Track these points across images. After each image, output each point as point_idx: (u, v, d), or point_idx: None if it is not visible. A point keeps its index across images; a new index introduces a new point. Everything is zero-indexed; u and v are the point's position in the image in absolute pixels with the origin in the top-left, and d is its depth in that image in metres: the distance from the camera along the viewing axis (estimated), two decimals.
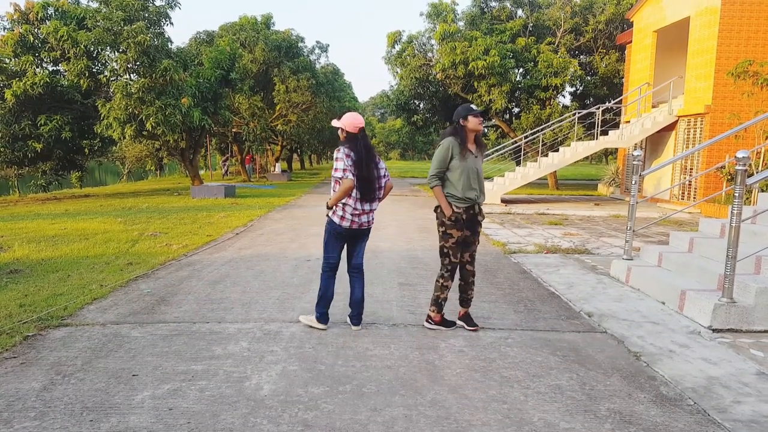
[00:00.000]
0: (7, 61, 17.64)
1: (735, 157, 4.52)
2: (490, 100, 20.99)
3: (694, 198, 14.53)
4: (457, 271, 4.64)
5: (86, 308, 5.18)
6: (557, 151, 17.34)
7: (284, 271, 6.73)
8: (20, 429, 2.97)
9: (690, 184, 14.94)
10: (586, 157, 19.56)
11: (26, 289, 5.79)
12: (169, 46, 18.96)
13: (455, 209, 4.40)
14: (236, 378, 3.63)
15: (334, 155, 4.41)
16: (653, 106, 17.11)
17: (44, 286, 5.95)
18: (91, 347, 4.17)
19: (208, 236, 9.44)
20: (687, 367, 3.87)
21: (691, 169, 14.91)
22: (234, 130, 27.07)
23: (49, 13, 17.48)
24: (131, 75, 17.84)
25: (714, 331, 4.61)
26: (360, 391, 3.45)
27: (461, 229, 4.44)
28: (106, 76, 17.94)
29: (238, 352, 4.08)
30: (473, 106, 4.45)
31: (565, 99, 25.72)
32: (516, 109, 24.18)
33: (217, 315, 4.99)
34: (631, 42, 18.40)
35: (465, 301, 4.72)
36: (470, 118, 4.39)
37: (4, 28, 17.64)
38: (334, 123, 4.51)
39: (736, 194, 4.48)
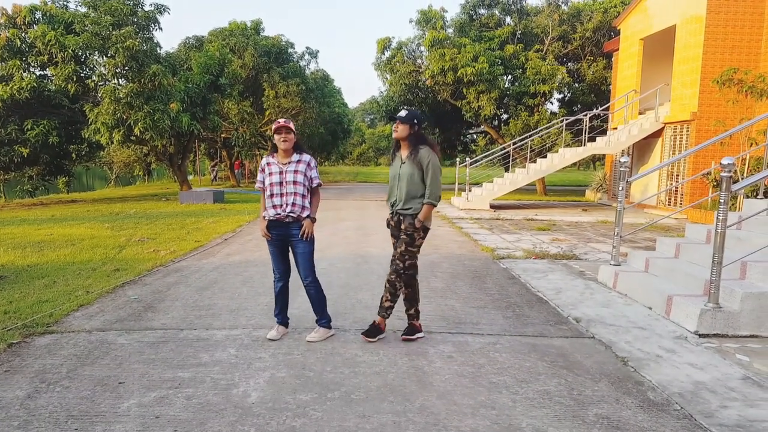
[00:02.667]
0: None
1: (720, 163, 4.58)
2: (479, 106, 21.10)
3: (681, 204, 14.68)
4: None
5: (72, 315, 5.13)
6: (545, 157, 17.46)
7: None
8: None
9: (676, 191, 15.09)
10: (574, 164, 19.69)
11: (11, 296, 5.71)
12: (158, 50, 18.89)
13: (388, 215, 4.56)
14: (224, 385, 3.60)
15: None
16: (640, 113, 17.29)
17: (29, 292, 5.88)
18: (77, 354, 4.12)
19: (197, 242, 9.38)
20: (674, 372, 3.90)
21: (678, 175, 15.07)
22: (223, 135, 26.98)
23: (37, 17, 17.36)
24: (119, 80, 17.72)
25: (700, 336, 4.65)
26: (348, 398, 3.44)
27: (391, 235, 4.52)
28: (94, 80, 17.80)
29: (225, 359, 4.05)
30: (400, 112, 4.34)
31: (553, 106, 25.92)
32: (504, 116, 24.31)
33: (205, 321, 4.95)
34: (618, 49, 18.61)
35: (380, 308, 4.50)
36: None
37: None
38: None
39: (722, 200, 4.54)
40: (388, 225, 4.54)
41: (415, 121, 4.33)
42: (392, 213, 4.46)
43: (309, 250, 4.44)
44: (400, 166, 4.38)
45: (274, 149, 4.42)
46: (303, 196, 4.37)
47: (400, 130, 4.32)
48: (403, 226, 4.36)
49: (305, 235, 4.37)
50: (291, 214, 4.34)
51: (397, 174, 4.38)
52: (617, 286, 6.23)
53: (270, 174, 4.37)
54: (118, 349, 4.24)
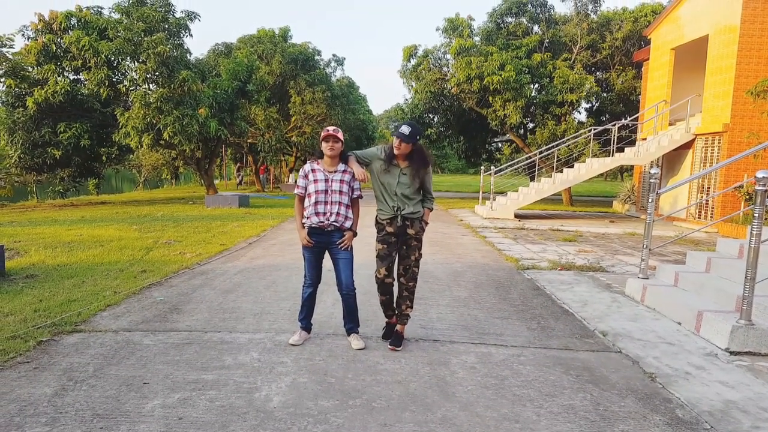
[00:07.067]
0: (30, 69, 17.99)
1: (755, 176, 4.46)
2: (504, 114, 20.98)
3: (711, 217, 14.34)
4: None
5: (99, 315, 5.22)
6: (572, 167, 17.24)
7: (296, 282, 6.72)
8: None
9: (707, 204, 14.76)
10: (601, 174, 19.40)
11: (41, 294, 5.85)
12: (188, 57, 19.22)
13: (379, 218, 4.51)
14: (246, 389, 3.62)
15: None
16: (670, 124, 16.98)
17: (59, 291, 6.01)
18: (104, 354, 4.19)
19: (222, 245, 9.48)
20: (703, 390, 3.79)
21: (708, 188, 14.73)
22: (249, 140, 27.30)
23: (72, 23, 17.82)
24: (150, 85, 18.10)
25: (731, 353, 4.52)
26: (370, 406, 3.42)
27: (380, 241, 4.47)
28: (125, 85, 18.21)
29: (248, 363, 4.07)
30: (403, 128, 4.30)
31: (581, 115, 25.61)
32: (531, 125, 24.12)
33: (229, 324, 4.99)
34: (648, 59, 18.32)
35: (397, 317, 4.61)
36: (394, 137, 4.38)
37: (29, 38, 18.01)
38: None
39: (756, 214, 4.41)
40: (382, 229, 4.46)
41: (417, 137, 4.35)
42: (396, 218, 4.40)
43: (351, 257, 4.48)
44: (399, 175, 4.39)
45: (320, 156, 4.45)
46: (347, 206, 4.41)
47: (402, 148, 4.31)
48: (412, 231, 4.42)
49: (343, 246, 4.41)
50: (334, 223, 4.37)
51: (395, 182, 4.39)
52: (645, 300, 6.10)
53: (315, 181, 4.37)
54: (144, 349, 4.30)
